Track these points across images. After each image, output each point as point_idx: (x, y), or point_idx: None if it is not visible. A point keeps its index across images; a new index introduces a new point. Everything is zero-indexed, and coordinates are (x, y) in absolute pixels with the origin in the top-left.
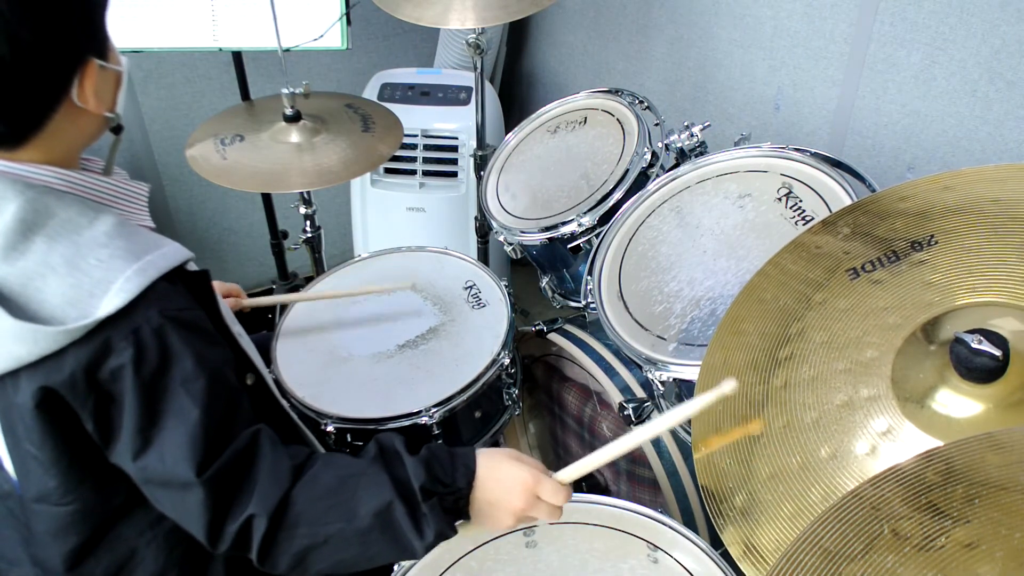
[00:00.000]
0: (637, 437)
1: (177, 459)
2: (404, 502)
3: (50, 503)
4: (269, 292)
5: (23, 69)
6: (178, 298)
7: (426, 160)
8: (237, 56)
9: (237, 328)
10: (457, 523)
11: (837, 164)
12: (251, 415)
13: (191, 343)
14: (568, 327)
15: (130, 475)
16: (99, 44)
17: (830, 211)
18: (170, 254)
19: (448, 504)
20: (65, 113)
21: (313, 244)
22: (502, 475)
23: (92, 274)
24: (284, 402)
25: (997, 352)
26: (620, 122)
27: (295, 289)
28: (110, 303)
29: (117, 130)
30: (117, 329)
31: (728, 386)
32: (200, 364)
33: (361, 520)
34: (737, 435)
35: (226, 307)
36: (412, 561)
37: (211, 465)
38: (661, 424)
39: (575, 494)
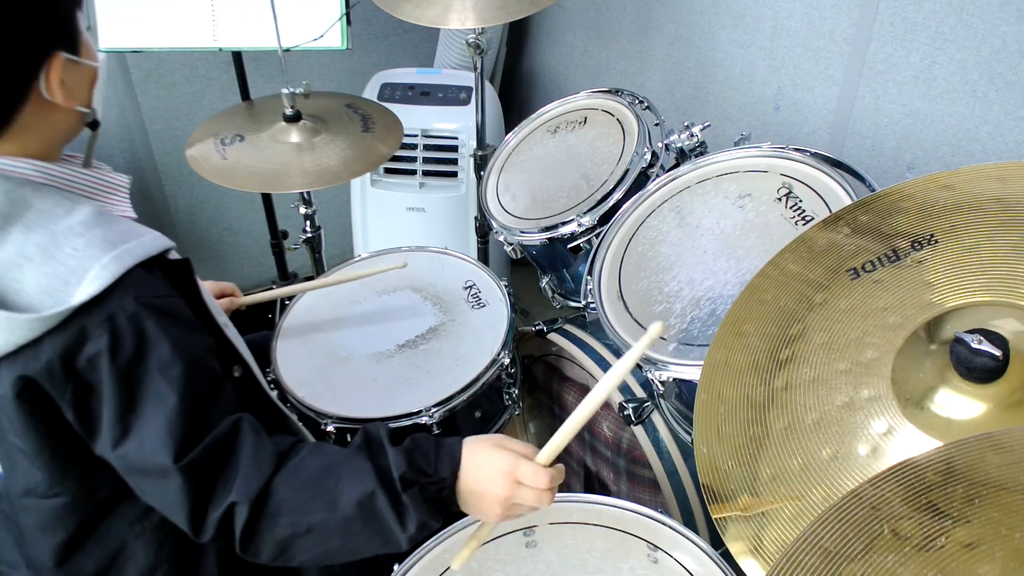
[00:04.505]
0: (594, 397)
1: (156, 445)
2: (386, 492)
3: (37, 496)
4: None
5: None
6: (155, 285)
7: (426, 160)
8: (237, 56)
9: (223, 319)
10: (476, 526)
11: (837, 164)
12: (235, 403)
13: (168, 329)
14: (568, 327)
15: (113, 465)
16: (68, 38)
17: (830, 211)
18: (148, 243)
19: (430, 494)
20: (35, 107)
21: (313, 244)
22: (481, 464)
23: (67, 262)
24: (273, 394)
25: (997, 352)
26: (620, 122)
27: None
28: (85, 290)
29: (94, 125)
30: (92, 316)
31: (654, 329)
32: (177, 350)
33: (344, 510)
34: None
35: (210, 297)
36: (412, 560)
37: (190, 451)
38: (612, 378)
39: (576, 494)
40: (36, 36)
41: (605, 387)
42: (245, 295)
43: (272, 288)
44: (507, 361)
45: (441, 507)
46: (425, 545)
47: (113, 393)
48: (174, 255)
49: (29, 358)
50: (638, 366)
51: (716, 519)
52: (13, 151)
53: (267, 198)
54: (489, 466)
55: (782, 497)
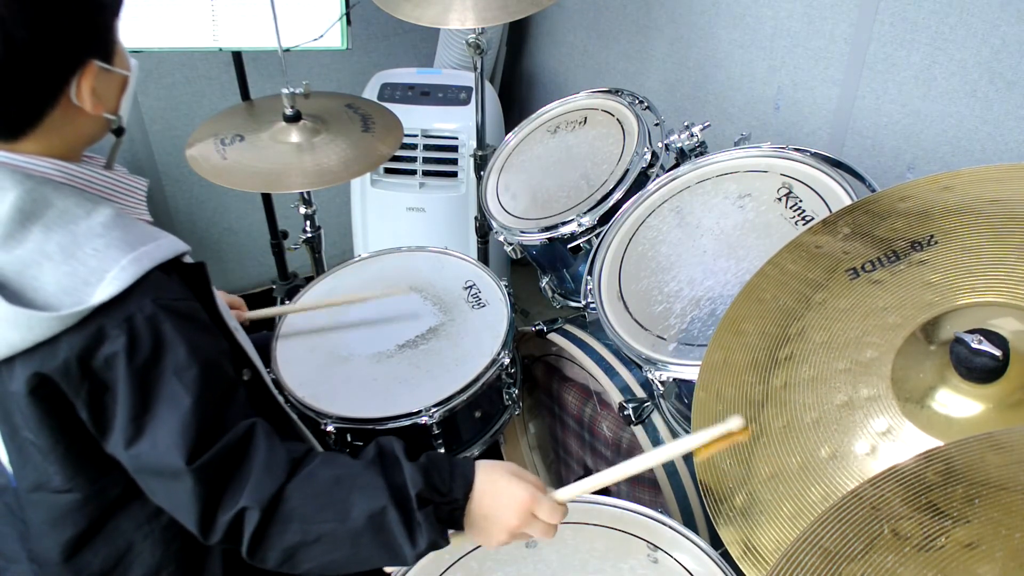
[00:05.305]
0: (641, 463)
1: (168, 447)
2: (398, 508)
3: (48, 491)
4: (269, 292)
5: (18, 67)
6: (173, 288)
7: (426, 160)
8: (237, 56)
9: (233, 323)
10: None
11: (837, 164)
12: (248, 407)
13: (185, 332)
14: (568, 327)
15: (124, 465)
16: (103, 47)
17: (830, 211)
18: (165, 245)
19: (443, 514)
20: (63, 111)
21: (313, 244)
22: (499, 491)
23: (87, 263)
24: (280, 398)
25: (997, 352)
26: (620, 122)
27: (295, 290)
28: (104, 291)
29: (119, 132)
30: (110, 317)
31: (734, 423)
32: (193, 353)
33: (354, 522)
34: (724, 444)
35: (222, 301)
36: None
37: (203, 454)
38: (665, 453)
39: None
40: (73, 44)
41: (661, 455)
42: (251, 310)
43: (273, 291)
44: (507, 361)
45: (452, 526)
46: None
47: (128, 393)
48: (189, 259)
49: (46, 356)
50: (638, 366)
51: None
52: (36, 150)
53: (267, 198)
54: (508, 495)
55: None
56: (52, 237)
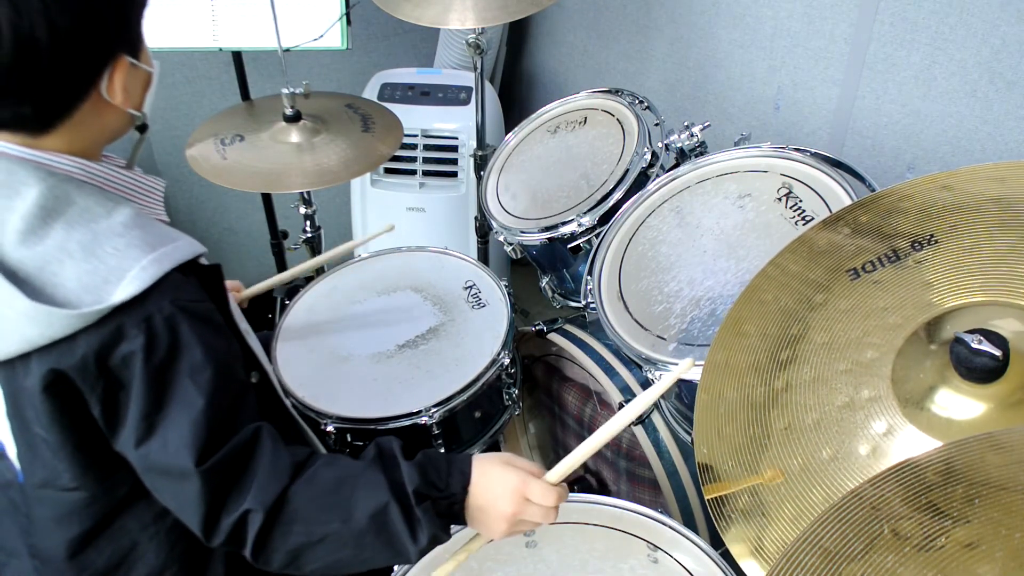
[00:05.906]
0: (615, 426)
1: (179, 447)
2: (399, 505)
3: (56, 488)
4: (269, 292)
5: (57, 55)
6: (190, 290)
7: (426, 160)
8: (237, 56)
9: (244, 326)
10: (467, 538)
11: (837, 164)
12: (256, 411)
13: (201, 334)
14: (568, 327)
15: (132, 464)
16: (132, 42)
17: (830, 211)
18: (184, 247)
19: (442, 508)
20: (92, 104)
21: (313, 244)
22: (491, 480)
23: (108, 261)
24: (287, 401)
25: (997, 352)
26: (620, 122)
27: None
28: (124, 290)
29: (142, 129)
30: (130, 316)
31: (684, 364)
32: (208, 355)
33: (357, 521)
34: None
35: (235, 304)
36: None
37: (211, 456)
38: (633, 409)
39: (575, 494)
40: (109, 35)
41: (627, 414)
42: (250, 304)
43: (273, 292)
44: (507, 361)
45: (452, 520)
46: None
47: (143, 392)
48: (204, 261)
49: (63, 352)
50: (638, 366)
51: (709, 500)
52: (59, 147)
53: (267, 198)
54: (499, 483)
55: (771, 472)
56: (73, 235)
